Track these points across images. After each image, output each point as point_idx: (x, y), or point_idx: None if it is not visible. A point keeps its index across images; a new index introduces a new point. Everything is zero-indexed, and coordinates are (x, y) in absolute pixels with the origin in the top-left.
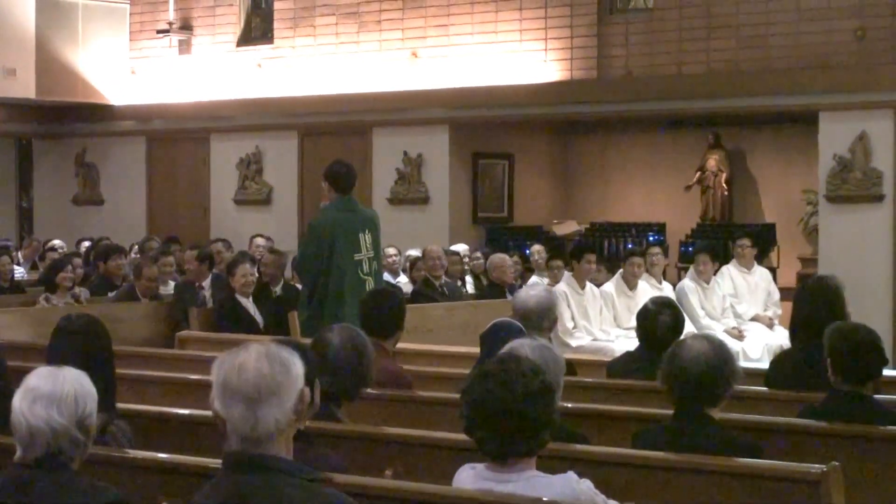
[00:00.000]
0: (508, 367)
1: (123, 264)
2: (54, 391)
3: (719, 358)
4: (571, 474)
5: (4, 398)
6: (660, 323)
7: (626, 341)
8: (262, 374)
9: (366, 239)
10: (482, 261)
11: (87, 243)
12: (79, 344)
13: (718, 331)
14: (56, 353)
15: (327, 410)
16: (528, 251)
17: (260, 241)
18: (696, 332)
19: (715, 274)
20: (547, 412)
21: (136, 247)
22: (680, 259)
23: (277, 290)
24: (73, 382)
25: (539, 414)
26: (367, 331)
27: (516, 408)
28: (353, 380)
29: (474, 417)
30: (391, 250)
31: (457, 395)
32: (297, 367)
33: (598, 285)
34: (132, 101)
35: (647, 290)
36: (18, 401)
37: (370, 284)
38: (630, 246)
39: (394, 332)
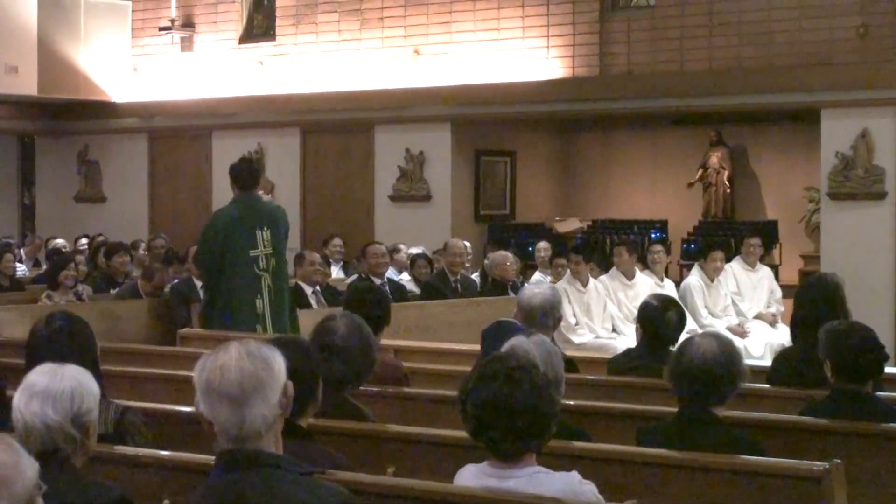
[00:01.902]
0: (510, 364)
1: (127, 261)
2: (50, 387)
3: (727, 357)
4: (575, 474)
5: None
6: (667, 320)
7: (628, 339)
8: (244, 372)
9: (263, 235)
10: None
11: (84, 240)
12: (57, 347)
13: (720, 328)
14: (36, 356)
15: (340, 397)
16: (531, 248)
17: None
18: (698, 329)
19: None
20: (554, 404)
21: (142, 244)
22: (682, 256)
23: None
24: (71, 379)
25: (548, 407)
26: None
27: (528, 404)
28: (362, 364)
29: (484, 419)
30: (403, 247)
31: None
32: (279, 361)
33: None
34: (134, 99)
35: (648, 282)
36: (17, 397)
37: (267, 280)
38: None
39: (383, 325)
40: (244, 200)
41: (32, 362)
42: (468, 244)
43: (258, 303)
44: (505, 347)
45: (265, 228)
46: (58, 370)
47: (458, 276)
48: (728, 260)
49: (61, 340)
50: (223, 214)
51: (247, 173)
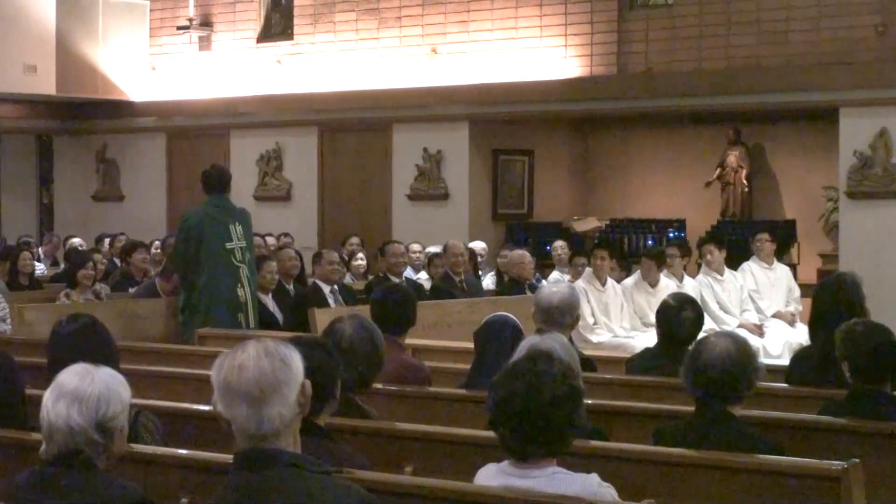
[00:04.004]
0: (539, 368)
1: (146, 260)
2: (78, 390)
3: (743, 356)
4: (595, 476)
5: (14, 399)
6: (682, 319)
7: (645, 338)
8: (262, 372)
9: (237, 229)
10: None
11: (107, 240)
12: (79, 346)
13: (733, 325)
14: (57, 358)
15: (347, 399)
16: (549, 248)
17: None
18: (715, 328)
19: (735, 269)
20: (571, 417)
21: (157, 243)
22: (700, 255)
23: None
24: (101, 383)
25: (563, 419)
26: (382, 327)
27: (540, 411)
28: (369, 367)
29: (499, 414)
30: (416, 246)
31: (475, 392)
32: (296, 360)
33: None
34: (152, 98)
35: (671, 287)
36: (47, 394)
37: (245, 272)
38: (651, 242)
39: (408, 327)
40: (213, 201)
41: (54, 362)
42: (483, 244)
43: (240, 292)
44: (534, 346)
45: (237, 223)
46: (89, 372)
47: (463, 276)
48: (746, 258)
49: (83, 340)
50: (195, 212)
51: (214, 178)
